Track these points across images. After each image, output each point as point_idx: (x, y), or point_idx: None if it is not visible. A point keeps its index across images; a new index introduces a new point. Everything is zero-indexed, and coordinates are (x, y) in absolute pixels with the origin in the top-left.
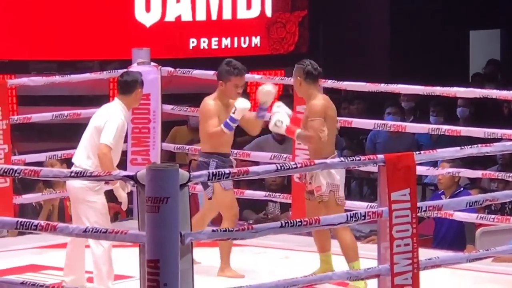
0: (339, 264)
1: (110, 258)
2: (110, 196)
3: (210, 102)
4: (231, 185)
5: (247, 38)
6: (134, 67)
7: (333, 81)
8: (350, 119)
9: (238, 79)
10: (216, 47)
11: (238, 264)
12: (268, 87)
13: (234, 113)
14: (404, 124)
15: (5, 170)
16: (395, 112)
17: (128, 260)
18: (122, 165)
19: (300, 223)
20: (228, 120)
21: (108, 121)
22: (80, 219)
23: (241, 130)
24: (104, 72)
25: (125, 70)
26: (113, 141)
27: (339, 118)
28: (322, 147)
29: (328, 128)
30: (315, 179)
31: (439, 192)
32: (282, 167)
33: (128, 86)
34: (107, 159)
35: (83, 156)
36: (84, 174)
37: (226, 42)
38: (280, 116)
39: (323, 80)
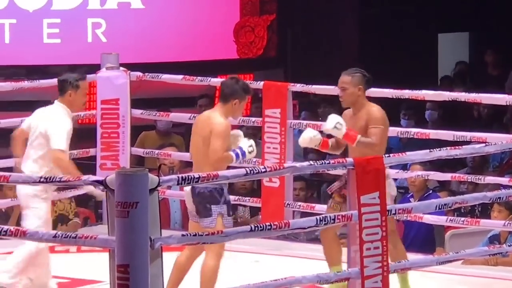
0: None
1: (28, 262)
2: (80, 200)
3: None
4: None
5: None
6: (103, 72)
7: (302, 85)
8: (319, 123)
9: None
10: None
11: None
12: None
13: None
14: None
15: None
16: None
17: (98, 265)
18: (91, 169)
19: (269, 227)
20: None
21: (56, 126)
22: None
23: None
24: None
25: (92, 75)
26: (66, 146)
27: (308, 122)
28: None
29: (384, 138)
30: None
31: (408, 195)
32: (252, 171)
33: (60, 86)
34: (66, 162)
35: (34, 164)
36: (53, 180)
37: None
38: (341, 120)
39: (292, 84)
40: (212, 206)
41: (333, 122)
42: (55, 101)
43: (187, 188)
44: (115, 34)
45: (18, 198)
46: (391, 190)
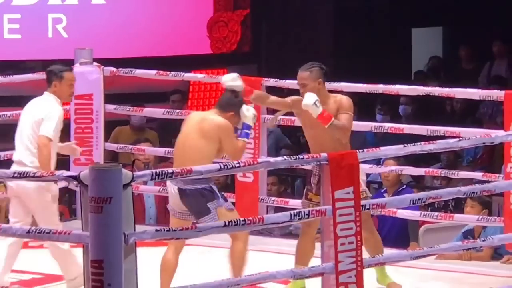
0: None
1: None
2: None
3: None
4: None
5: None
6: (77, 67)
7: (276, 79)
8: (292, 118)
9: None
10: None
11: (183, 264)
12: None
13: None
14: None
15: None
16: None
17: None
18: (65, 165)
19: (243, 222)
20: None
21: (48, 114)
22: (29, 216)
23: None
24: None
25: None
26: (53, 133)
27: (282, 117)
28: (347, 143)
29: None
30: None
31: (382, 190)
32: (226, 166)
33: (47, 77)
34: (47, 150)
35: (25, 153)
36: (28, 175)
37: None
38: (318, 98)
39: (265, 79)
40: (208, 204)
41: (313, 99)
42: (45, 92)
43: (173, 189)
44: (76, 29)
45: (17, 192)
46: (362, 175)
